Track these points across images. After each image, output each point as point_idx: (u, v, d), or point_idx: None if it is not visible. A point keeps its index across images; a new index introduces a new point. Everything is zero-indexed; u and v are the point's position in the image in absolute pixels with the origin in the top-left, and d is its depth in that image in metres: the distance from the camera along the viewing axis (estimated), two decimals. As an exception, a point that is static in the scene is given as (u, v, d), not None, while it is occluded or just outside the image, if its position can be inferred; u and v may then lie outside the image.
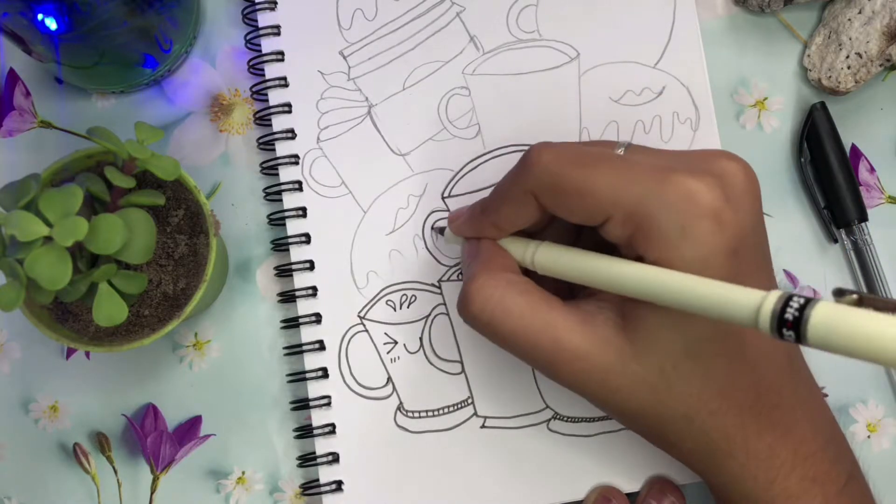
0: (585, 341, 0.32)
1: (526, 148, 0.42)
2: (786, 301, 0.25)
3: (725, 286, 0.27)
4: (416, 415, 0.41)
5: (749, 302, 0.26)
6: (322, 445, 0.41)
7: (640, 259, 0.31)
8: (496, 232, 0.35)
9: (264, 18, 0.43)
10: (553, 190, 0.32)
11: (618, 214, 0.30)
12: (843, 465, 0.34)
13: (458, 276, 0.41)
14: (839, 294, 0.27)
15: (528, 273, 0.35)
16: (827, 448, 0.33)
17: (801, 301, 0.25)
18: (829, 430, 0.34)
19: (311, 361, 0.41)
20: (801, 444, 0.33)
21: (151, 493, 0.42)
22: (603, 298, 0.33)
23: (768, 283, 0.33)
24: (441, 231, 0.40)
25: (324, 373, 0.41)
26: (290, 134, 0.42)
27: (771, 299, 0.26)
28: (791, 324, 0.25)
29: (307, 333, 0.41)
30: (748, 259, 0.31)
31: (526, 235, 0.35)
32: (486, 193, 0.41)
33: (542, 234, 0.36)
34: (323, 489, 0.40)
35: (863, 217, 0.42)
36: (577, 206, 0.31)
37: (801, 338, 0.25)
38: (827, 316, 0.24)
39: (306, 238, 0.42)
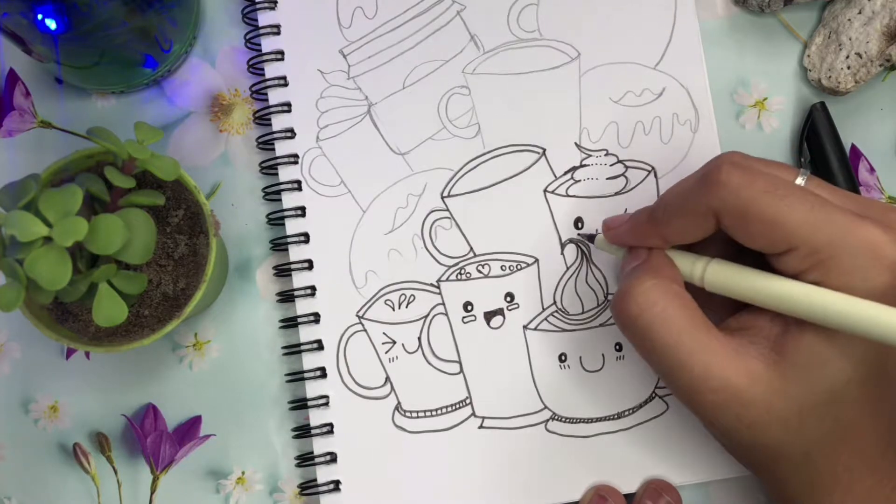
0: (736, 372, 0.32)
1: (526, 148, 0.42)
2: None
3: None
4: (414, 415, 0.41)
5: None
6: (320, 445, 0.41)
7: None
8: (661, 244, 0.35)
9: (264, 18, 0.43)
10: (740, 215, 0.31)
11: (803, 249, 0.31)
12: None
13: (456, 275, 0.41)
14: None
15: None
16: None
17: None
18: None
19: (310, 361, 0.41)
20: (893, 493, 0.33)
21: (151, 494, 0.42)
22: (756, 333, 0.33)
23: None
24: (590, 238, 0.39)
25: (322, 372, 0.41)
26: (290, 133, 0.42)
27: None
28: None
29: (306, 333, 0.41)
30: None
31: (683, 248, 0.35)
32: (486, 193, 0.42)
33: (696, 247, 0.35)
34: (321, 489, 0.40)
35: (863, 217, 0.42)
36: (761, 235, 0.31)
37: None
38: None
39: (305, 237, 0.42)
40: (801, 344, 0.31)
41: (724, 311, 0.35)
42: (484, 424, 0.41)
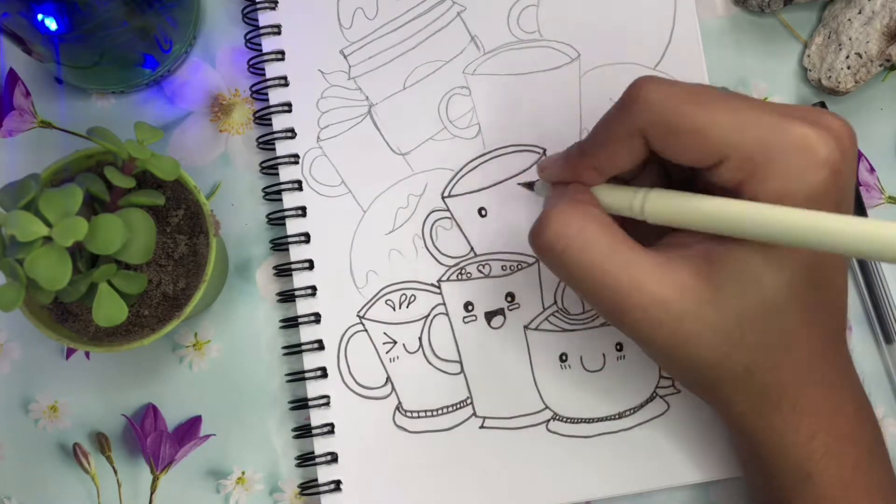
0: (664, 286, 0.31)
1: (526, 148, 0.42)
2: None
3: (864, 221, 0.27)
4: (415, 415, 0.41)
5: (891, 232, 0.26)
6: (321, 445, 0.41)
7: None
8: (595, 176, 0.33)
9: (265, 17, 0.43)
10: (665, 129, 0.30)
11: (735, 156, 0.30)
12: (870, 427, 0.34)
13: (457, 275, 0.41)
14: None
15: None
16: (860, 410, 0.34)
17: None
18: (861, 393, 0.35)
19: (310, 361, 0.41)
20: (844, 401, 0.33)
21: (151, 494, 0.42)
22: (687, 247, 0.32)
23: None
24: (529, 185, 0.38)
25: (322, 372, 0.41)
26: (290, 133, 0.42)
27: None
28: None
29: (306, 333, 0.41)
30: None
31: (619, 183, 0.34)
32: (486, 193, 0.42)
33: (633, 182, 0.34)
34: (321, 489, 0.40)
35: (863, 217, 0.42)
36: (691, 146, 0.30)
37: None
38: None
39: (306, 237, 0.42)
40: (734, 254, 0.30)
41: (656, 238, 0.34)
42: (485, 424, 0.41)
